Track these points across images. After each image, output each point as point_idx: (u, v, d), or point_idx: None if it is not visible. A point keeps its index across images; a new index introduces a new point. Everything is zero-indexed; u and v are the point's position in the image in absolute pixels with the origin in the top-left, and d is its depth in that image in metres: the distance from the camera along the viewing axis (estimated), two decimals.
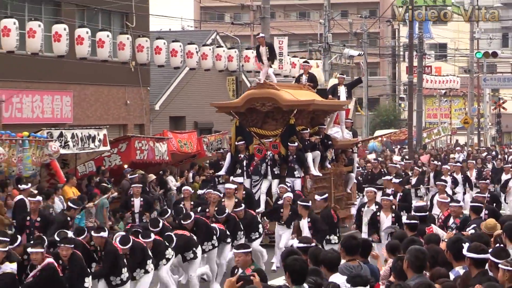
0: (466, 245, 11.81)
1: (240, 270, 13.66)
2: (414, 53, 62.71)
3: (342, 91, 32.23)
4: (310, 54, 60.78)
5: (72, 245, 17.46)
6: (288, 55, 50.50)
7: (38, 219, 22.86)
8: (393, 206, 23.17)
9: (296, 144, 27.89)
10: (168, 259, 20.00)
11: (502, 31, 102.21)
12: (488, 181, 30.83)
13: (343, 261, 12.49)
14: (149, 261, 19.29)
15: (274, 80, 30.84)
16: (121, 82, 41.28)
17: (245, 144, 28.74)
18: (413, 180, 36.10)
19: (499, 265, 11.17)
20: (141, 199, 27.05)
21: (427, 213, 19.62)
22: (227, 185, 25.68)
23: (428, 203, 27.78)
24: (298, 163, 28.17)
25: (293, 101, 28.53)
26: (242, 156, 28.79)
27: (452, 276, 11.76)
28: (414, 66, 62.16)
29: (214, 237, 21.76)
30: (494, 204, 25.29)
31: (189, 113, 48.81)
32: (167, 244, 20.08)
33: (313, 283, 10.92)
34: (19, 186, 26.14)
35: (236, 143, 29.04)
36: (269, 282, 12.93)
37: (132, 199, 27.30)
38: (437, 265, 12.03)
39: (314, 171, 28.77)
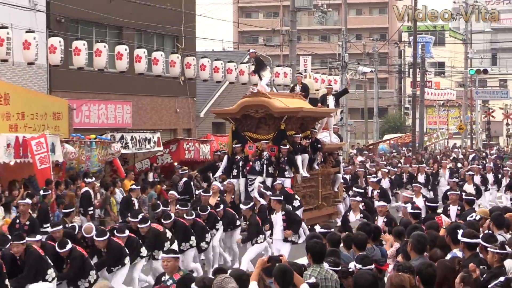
0: (460, 231, 11.84)
1: (167, 276, 12.82)
2: (417, 70, 62.48)
3: (331, 100, 31.15)
4: (330, 70, 60.58)
5: (23, 241, 15.47)
6: (311, 71, 50.51)
7: (27, 222, 20.11)
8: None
9: (287, 147, 26.85)
10: (142, 257, 18.17)
11: (491, 51, 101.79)
12: (456, 179, 29.02)
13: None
14: (127, 258, 17.47)
15: (267, 89, 29.73)
16: (172, 93, 41.38)
17: (241, 147, 27.71)
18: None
19: (488, 249, 11.19)
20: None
21: (437, 204, 19.44)
22: (228, 181, 25.67)
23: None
24: (289, 164, 27.03)
25: (284, 108, 27.51)
26: (238, 157, 27.68)
27: (449, 256, 11.78)
28: (417, 81, 61.85)
29: (192, 238, 19.86)
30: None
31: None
32: (140, 242, 18.16)
33: (333, 262, 10.93)
34: (85, 179, 26.27)
35: (233, 145, 27.90)
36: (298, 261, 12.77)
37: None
38: (435, 247, 12.02)
39: (303, 172, 27.52)
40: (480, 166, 38.36)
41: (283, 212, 20.03)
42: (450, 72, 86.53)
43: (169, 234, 19.01)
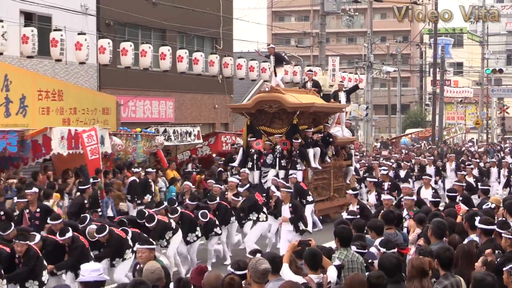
0: (477, 218, 11.79)
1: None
2: (437, 69, 62.21)
3: (342, 96, 29.66)
4: (356, 70, 60.36)
5: (27, 241, 14.21)
6: (339, 70, 50.41)
7: (38, 209, 18.65)
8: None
9: (299, 140, 25.64)
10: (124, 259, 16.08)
11: (507, 52, 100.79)
12: (464, 172, 27.90)
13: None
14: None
15: (281, 86, 28.14)
16: (211, 91, 41.40)
17: (257, 139, 26.42)
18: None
19: (503, 235, 11.12)
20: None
21: (457, 193, 19.17)
22: (230, 179, 23.36)
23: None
24: (301, 157, 25.81)
25: (296, 103, 26.21)
26: (253, 150, 26.31)
27: (467, 241, 11.72)
28: (437, 80, 61.72)
29: (198, 229, 18.68)
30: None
31: None
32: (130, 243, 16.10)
33: (360, 245, 10.91)
34: (132, 169, 26.38)
35: (248, 139, 26.73)
36: (326, 245, 12.72)
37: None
38: (453, 233, 11.95)
39: (314, 165, 26.40)
40: (494, 160, 37.79)
41: (290, 204, 19.41)
42: (468, 71, 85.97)
43: (173, 224, 17.97)
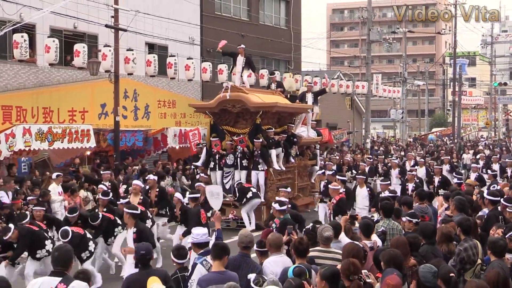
0: (485, 191, 11.69)
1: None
2: (456, 83, 61.57)
3: (309, 97, 24.03)
4: (394, 84, 59.61)
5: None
6: (381, 84, 49.97)
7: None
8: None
9: (260, 140, 19.95)
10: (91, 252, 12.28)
11: (510, 70, 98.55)
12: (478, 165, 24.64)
13: (416, 204, 12.24)
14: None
15: (247, 85, 22.64)
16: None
17: (218, 140, 20.52)
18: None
19: (507, 209, 10.91)
20: None
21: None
22: (134, 182, 15.92)
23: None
24: (262, 157, 19.96)
25: (259, 103, 20.40)
26: (215, 150, 20.43)
27: (480, 214, 11.52)
28: (456, 91, 61.21)
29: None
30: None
31: (324, 117, 48.46)
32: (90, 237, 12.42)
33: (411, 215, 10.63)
34: None
35: (211, 139, 20.79)
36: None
37: None
38: (471, 208, 11.70)
39: (276, 166, 20.50)
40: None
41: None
42: (480, 84, 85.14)
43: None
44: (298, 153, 22.41)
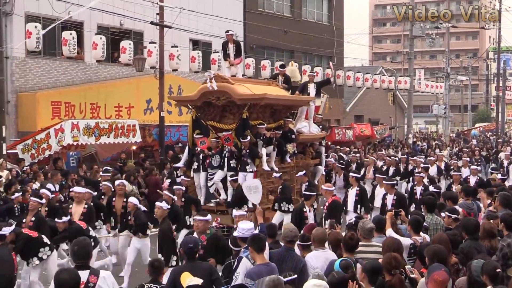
0: None
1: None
2: (500, 78, 60.74)
3: (312, 88, 19.99)
4: (437, 79, 58.92)
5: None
6: (424, 79, 49.52)
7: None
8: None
9: (248, 138, 16.53)
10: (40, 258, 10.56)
11: None
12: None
13: (461, 200, 12.12)
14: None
15: (240, 74, 19.40)
16: (327, 95, 41.24)
17: (205, 138, 16.98)
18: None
19: None
20: None
21: None
22: (76, 189, 13.30)
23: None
24: (251, 157, 16.56)
25: (246, 94, 16.74)
26: (198, 149, 16.98)
27: None
28: (500, 86, 60.43)
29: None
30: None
31: (366, 113, 48.23)
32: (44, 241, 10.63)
33: (449, 210, 10.56)
34: None
35: (194, 136, 17.16)
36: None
37: None
38: None
39: (266, 166, 16.85)
40: None
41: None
42: None
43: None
44: (296, 151, 18.81)
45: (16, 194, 14.65)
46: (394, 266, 6.72)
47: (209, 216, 10.01)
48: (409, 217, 10.12)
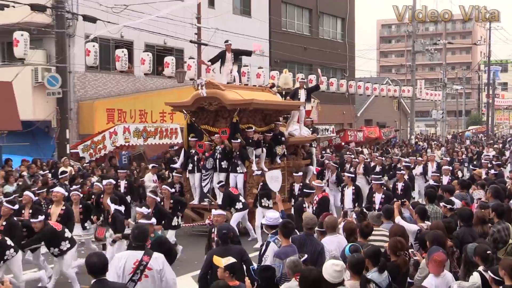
0: None
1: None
2: (490, 87, 60.02)
3: (302, 93, 18.14)
4: (435, 89, 58.42)
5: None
6: (424, 88, 49.12)
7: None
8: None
9: (239, 140, 15.37)
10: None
11: None
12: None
13: (457, 192, 12.02)
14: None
15: (237, 81, 17.76)
16: (341, 102, 40.83)
17: (196, 140, 16.07)
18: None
19: None
20: None
21: None
22: (56, 189, 11.92)
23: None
24: (241, 159, 15.44)
25: (234, 100, 15.63)
26: (193, 151, 16.01)
27: None
28: (490, 94, 59.78)
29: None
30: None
31: (374, 117, 47.94)
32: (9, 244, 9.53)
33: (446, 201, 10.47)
34: None
35: (189, 139, 16.25)
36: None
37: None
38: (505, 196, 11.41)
39: (255, 168, 15.55)
40: None
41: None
42: (511, 88, 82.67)
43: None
44: (286, 153, 17.19)
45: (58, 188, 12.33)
46: (399, 249, 6.80)
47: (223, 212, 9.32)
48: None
